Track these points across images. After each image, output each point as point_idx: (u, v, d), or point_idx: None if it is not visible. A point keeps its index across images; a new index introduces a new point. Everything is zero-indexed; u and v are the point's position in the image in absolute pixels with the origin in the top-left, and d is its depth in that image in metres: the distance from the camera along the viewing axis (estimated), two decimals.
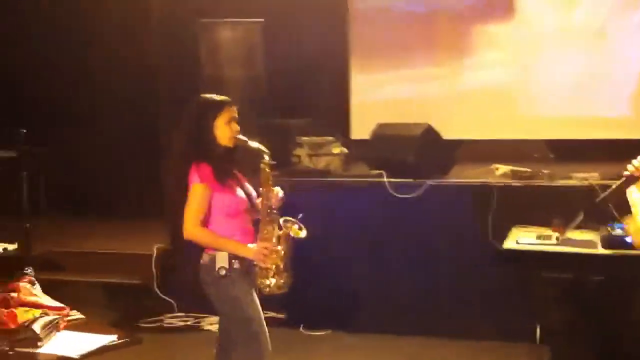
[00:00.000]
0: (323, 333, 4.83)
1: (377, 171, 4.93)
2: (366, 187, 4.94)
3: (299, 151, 5.25)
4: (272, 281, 3.11)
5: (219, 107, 3.13)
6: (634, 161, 2.40)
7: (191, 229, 3.06)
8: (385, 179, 4.82)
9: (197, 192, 3.05)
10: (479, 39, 6.10)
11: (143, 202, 6.31)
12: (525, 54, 6.03)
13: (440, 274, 4.70)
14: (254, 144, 3.15)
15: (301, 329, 4.86)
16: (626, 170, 2.49)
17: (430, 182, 4.71)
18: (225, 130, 3.10)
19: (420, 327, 4.63)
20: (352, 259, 4.89)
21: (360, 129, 5.98)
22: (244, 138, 3.15)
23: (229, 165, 3.15)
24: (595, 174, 4.63)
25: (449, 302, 4.69)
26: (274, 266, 3.10)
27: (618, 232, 4.04)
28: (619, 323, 4.23)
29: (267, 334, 3.14)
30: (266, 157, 3.14)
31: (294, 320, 4.85)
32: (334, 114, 6.37)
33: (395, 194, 4.74)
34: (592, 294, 4.22)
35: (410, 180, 4.76)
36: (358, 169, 5.38)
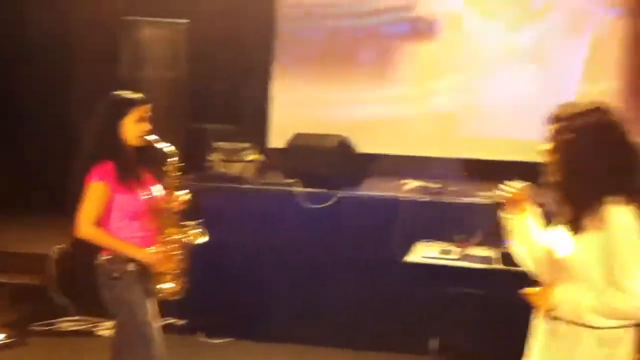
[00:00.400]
0: (225, 341, 4.77)
1: (290, 180, 4.95)
2: (278, 195, 4.94)
3: (213, 156, 5.19)
4: (168, 286, 3.07)
5: (128, 105, 3.08)
6: (504, 186, 2.45)
7: (84, 228, 2.99)
8: (297, 189, 4.84)
9: (94, 191, 2.99)
10: (401, 56, 6.23)
11: (54, 201, 6.11)
12: (438, 74, 6.17)
13: (346, 284, 4.73)
14: (164, 145, 3.10)
15: (202, 336, 4.79)
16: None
17: (340, 193, 4.76)
18: (134, 129, 3.06)
19: (324, 337, 4.65)
20: (258, 266, 4.87)
21: (280, 137, 5.99)
22: (155, 138, 3.11)
23: (134, 165, 3.09)
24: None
25: (354, 313, 4.72)
26: (170, 271, 3.06)
27: None
28: (515, 338, 4.37)
29: (161, 340, 3.09)
30: (173, 160, 3.11)
31: (195, 327, 4.78)
32: (255, 122, 6.35)
33: (306, 204, 4.77)
34: (490, 309, 4.36)
35: (322, 190, 4.79)
36: (273, 177, 5.38)
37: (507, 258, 4.14)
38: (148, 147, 3.12)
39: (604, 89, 5.77)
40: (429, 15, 6.11)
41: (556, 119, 2.27)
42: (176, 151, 3.12)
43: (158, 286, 3.06)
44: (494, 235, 4.47)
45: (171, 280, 3.07)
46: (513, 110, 5.92)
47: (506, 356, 4.23)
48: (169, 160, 3.10)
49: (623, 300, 2.12)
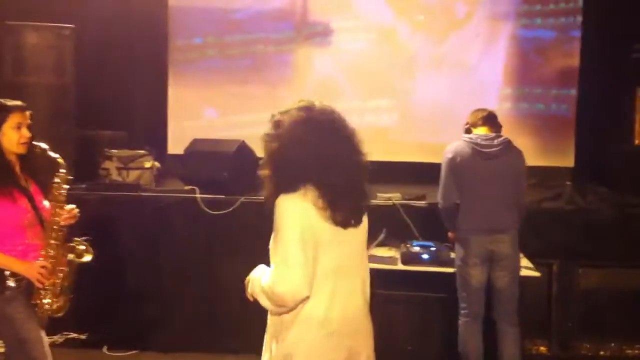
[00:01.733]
0: (128, 353, 4.62)
1: (190, 187, 4.85)
2: (178, 202, 4.83)
3: (107, 164, 5.02)
4: (49, 302, 2.95)
5: (4, 111, 2.93)
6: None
7: None
8: (197, 195, 4.75)
9: None
10: (302, 60, 6.27)
11: None
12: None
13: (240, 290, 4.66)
14: (52, 155, 2.98)
15: (104, 350, 4.63)
16: None
17: (242, 198, 4.70)
18: (12, 136, 2.92)
19: (228, 344, 4.59)
20: (159, 276, 4.75)
21: (178, 144, 5.86)
22: (43, 147, 2.98)
23: (14, 174, 2.95)
24: (398, 194, 4.87)
25: (258, 319, 4.65)
26: (53, 287, 2.94)
27: (416, 249, 4.29)
28: (419, 336, 4.49)
29: (48, 356, 2.96)
30: (61, 170, 2.99)
31: (96, 341, 4.62)
32: (151, 128, 6.21)
33: (207, 211, 4.69)
34: (393, 308, 4.44)
35: (223, 196, 4.73)
36: (172, 184, 5.26)
37: (406, 259, 4.25)
38: (32, 156, 2.99)
39: (525, 92, 6.06)
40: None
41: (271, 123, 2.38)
42: (64, 163, 3.00)
43: (40, 302, 2.93)
44: (396, 235, 4.61)
45: (54, 296, 2.96)
46: (432, 116, 6.11)
47: (413, 354, 4.36)
48: (57, 172, 2.98)
49: (267, 284, 2.29)
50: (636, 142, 5.89)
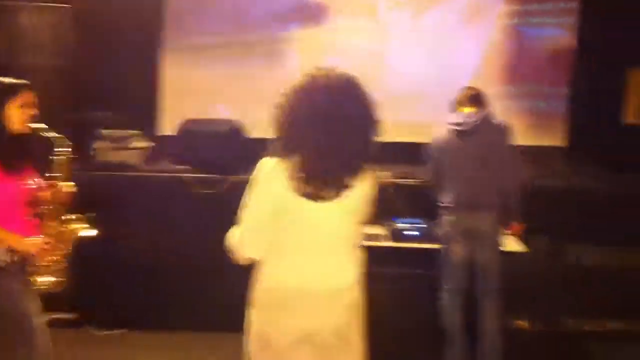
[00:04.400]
0: (117, 332, 4.66)
1: (181, 166, 4.88)
2: (169, 182, 4.86)
3: (99, 144, 5.03)
4: (48, 279, 2.98)
5: (11, 90, 2.96)
6: None
7: None
8: (188, 174, 4.78)
9: None
10: (292, 39, 6.26)
11: None
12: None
13: (240, 268, 4.70)
14: (52, 134, 3.01)
15: (94, 329, 4.67)
16: None
17: (232, 178, 4.73)
18: (18, 115, 2.94)
19: (220, 322, 4.60)
20: (150, 255, 4.78)
21: (171, 124, 5.88)
22: (42, 126, 3.00)
23: (18, 153, 2.98)
24: (387, 173, 4.90)
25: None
26: (51, 264, 2.97)
27: (405, 226, 4.33)
28: (406, 314, 4.53)
29: (45, 334, 3.00)
30: (63, 149, 3.01)
31: (86, 320, 4.66)
32: (143, 109, 6.19)
33: (199, 190, 4.72)
34: (380, 286, 4.47)
35: (213, 176, 4.75)
36: (164, 164, 5.28)
37: (396, 235, 4.29)
38: (33, 135, 3.01)
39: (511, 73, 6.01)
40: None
41: None
42: (66, 140, 3.03)
43: (38, 279, 2.96)
44: (382, 213, 4.64)
45: (52, 273, 2.98)
46: (411, 94, 6.05)
47: (398, 330, 4.40)
48: (58, 149, 3.01)
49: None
50: (628, 120, 5.90)
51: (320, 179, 2.25)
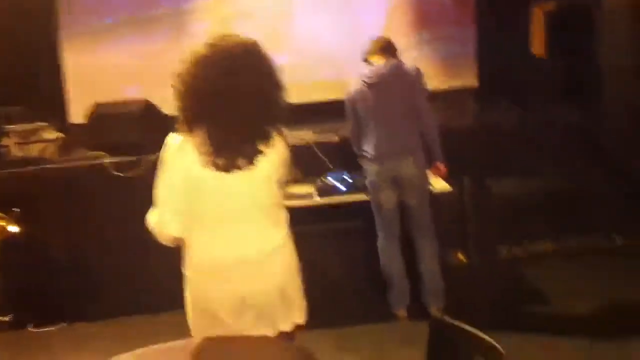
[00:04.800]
0: (56, 328, 4.54)
1: (97, 152, 4.73)
2: (86, 170, 4.72)
3: (5, 141, 4.80)
4: None
5: None
6: None
7: None
8: (105, 160, 4.65)
9: None
10: (197, 9, 6.11)
11: None
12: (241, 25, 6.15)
13: (166, 250, 4.64)
14: None
15: (30, 328, 4.52)
16: None
17: (152, 157, 4.62)
18: None
19: (157, 304, 4.54)
20: (79, 246, 4.66)
21: (80, 111, 5.67)
22: None
23: None
24: (310, 133, 4.91)
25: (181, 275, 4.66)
26: None
27: (331, 181, 4.35)
28: (345, 266, 4.59)
29: None
30: None
31: (22, 321, 4.51)
32: (49, 99, 5.96)
33: (117, 174, 4.60)
34: (315, 243, 4.50)
35: (131, 158, 4.64)
36: (79, 153, 5.11)
37: (323, 191, 4.30)
38: None
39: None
40: None
41: None
42: None
43: None
44: (310, 172, 4.65)
45: None
46: (320, 54, 6.02)
47: (340, 283, 4.46)
48: None
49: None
50: (535, 55, 6.06)
51: (229, 150, 2.23)
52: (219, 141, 2.21)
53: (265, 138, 2.28)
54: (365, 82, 4.03)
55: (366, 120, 4.07)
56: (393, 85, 4.00)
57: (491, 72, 5.95)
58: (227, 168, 2.24)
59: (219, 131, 2.21)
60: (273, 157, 2.32)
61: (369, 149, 4.06)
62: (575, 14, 5.72)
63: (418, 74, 4.07)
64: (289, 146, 2.41)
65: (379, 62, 4.08)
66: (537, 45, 6.08)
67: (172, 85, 2.26)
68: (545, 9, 6.07)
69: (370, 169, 4.08)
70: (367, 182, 4.14)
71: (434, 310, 4.08)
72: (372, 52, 4.13)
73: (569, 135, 5.03)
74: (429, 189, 4.14)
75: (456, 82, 6.05)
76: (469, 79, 6.07)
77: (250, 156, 2.26)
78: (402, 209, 4.11)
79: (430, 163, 4.12)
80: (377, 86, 4.00)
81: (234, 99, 2.20)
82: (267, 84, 2.26)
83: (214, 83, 2.19)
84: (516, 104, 5.40)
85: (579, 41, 5.46)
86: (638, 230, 4.93)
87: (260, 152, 2.27)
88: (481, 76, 6.06)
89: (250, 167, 2.26)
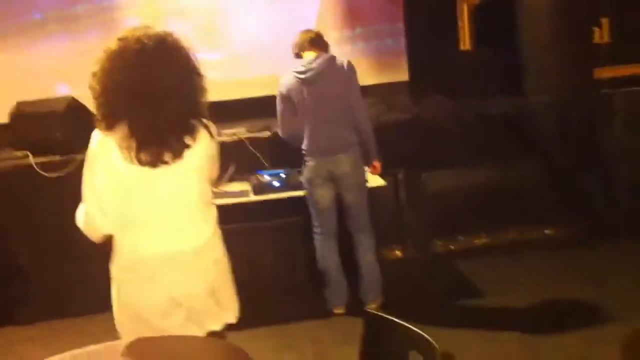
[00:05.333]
0: None
1: (21, 152, 4.56)
2: (12, 172, 4.54)
3: None
4: None
5: None
6: None
7: None
8: (31, 160, 4.48)
9: None
10: (125, 5, 5.97)
11: None
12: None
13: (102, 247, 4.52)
14: None
15: None
16: None
17: (80, 156, 4.47)
18: None
19: (91, 306, 4.42)
20: (12, 249, 4.54)
21: (2, 111, 5.46)
22: None
23: None
24: (243, 129, 4.85)
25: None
26: None
27: (266, 178, 4.31)
28: (281, 263, 4.57)
29: None
30: None
31: None
32: None
33: (45, 174, 4.44)
34: (252, 240, 4.48)
35: (58, 157, 4.49)
36: (3, 154, 4.90)
37: (258, 188, 4.26)
38: None
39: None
40: None
41: None
42: None
43: None
44: (246, 168, 4.60)
45: None
46: (253, 49, 5.95)
47: (275, 281, 4.43)
48: None
49: None
50: (461, 47, 6.18)
51: (154, 144, 2.18)
52: (141, 136, 2.15)
53: (191, 131, 2.23)
54: (298, 77, 3.99)
55: (302, 116, 4.02)
56: (327, 81, 3.95)
57: (421, 65, 6.03)
58: (152, 163, 2.18)
59: (140, 126, 2.15)
60: (200, 150, 2.25)
61: (304, 145, 4.03)
62: (499, 7, 5.85)
63: (351, 68, 4.03)
64: (217, 141, 2.36)
65: (310, 55, 4.04)
66: (464, 38, 6.21)
67: (88, 86, 2.20)
68: (470, 2, 6.20)
69: (307, 165, 4.05)
70: (302, 178, 4.11)
71: (372, 305, 4.07)
72: (303, 46, 4.08)
73: (499, 128, 5.13)
74: (366, 185, 4.13)
75: (389, 78, 6.11)
76: (400, 74, 6.13)
77: (177, 150, 2.20)
78: (339, 205, 4.09)
79: (365, 159, 4.11)
80: (311, 81, 3.96)
81: (150, 93, 2.15)
82: (184, 76, 2.21)
83: (127, 78, 2.14)
84: (447, 97, 5.48)
85: (504, 34, 5.57)
86: (567, 222, 5.06)
87: (187, 145, 2.22)
88: (411, 70, 6.13)
89: (177, 160, 2.21)
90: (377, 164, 4.15)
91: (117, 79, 2.15)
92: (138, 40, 2.17)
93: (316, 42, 4.08)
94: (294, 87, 4.00)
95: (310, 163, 4.03)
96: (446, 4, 6.13)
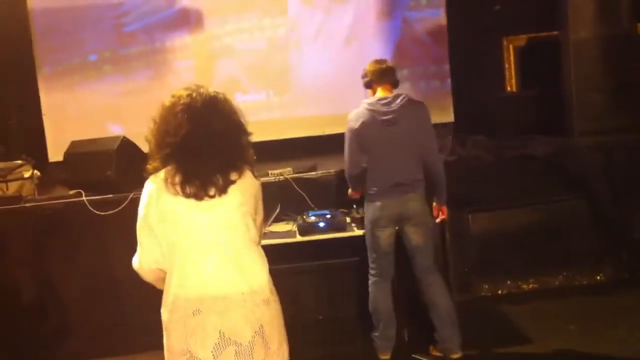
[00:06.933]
0: None
1: (75, 191, 4.70)
2: (65, 209, 4.68)
3: None
4: None
5: None
6: None
7: None
8: (84, 198, 4.61)
9: None
10: (172, 48, 6.16)
11: None
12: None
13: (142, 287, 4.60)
14: None
15: None
16: None
17: (132, 195, 4.59)
18: None
19: (143, 342, 4.44)
20: (58, 285, 4.63)
21: (58, 150, 5.64)
22: None
23: None
24: (289, 169, 4.90)
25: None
26: None
27: (312, 219, 4.33)
28: (327, 304, 4.57)
29: None
30: None
31: None
32: (28, 138, 5.96)
33: (96, 212, 4.56)
34: (298, 280, 4.50)
35: (110, 195, 4.61)
36: (57, 191, 5.06)
37: (303, 229, 4.28)
38: None
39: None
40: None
41: None
42: None
43: None
44: (292, 209, 4.65)
45: None
46: (327, 88, 6.07)
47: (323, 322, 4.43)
48: None
49: None
50: (508, 89, 6.18)
51: (200, 178, 2.31)
52: (189, 171, 2.31)
53: (236, 168, 2.37)
54: (377, 115, 3.85)
55: (373, 155, 3.88)
56: (407, 122, 3.84)
57: (467, 107, 6.04)
58: (197, 195, 2.30)
59: (189, 163, 2.31)
60: (243, 187, 2.38)
61: (373, 183, 3.91)
62: (544, 47, 5.85)
63: (426, 110, 3.94)
64: (260, 183, 2.48)
65: (385, 92, 3.93)
66: (509, 80, 6.22)
67: (145, 138, 2.39)
68: (515, 44, 6.22)
69: (372, 205, 3.92)
70: (366, 217, 3.99)
71: (457, 355, 3.90)
72: (375, 78, 3.95)
73: (543, 168, 5.08)
74: (432, 225, 4.02)
75: (434, 118, 6.11)
76: (445, 115, 6.15)
77: (221, 184, 2.33)
78: (404, 247, 3.96)
79: (437, 202, 4.01)
80: (392, 122, 3.83)
81: (204, 140, 2.33)
82: (229, 125, 2.38)
83: (177, 129, 2.32)
84: (491, 138, 5.47)
85: (548, 74, 5.55)
86: (617, 266, 4.96)
87: (232, 181, 2.35)
88: (457, 111, 6.15)
89: (222, 195, 2.33)
90: (444, 209, 4.03)
91: (167, 131, 2.33)
92: (188, 96, 2.37)
93: (387, 74, 3.95)
94: (370, 124, 3.85)
95: (377, 203, 3.89)
96: (492, 46, 6.16)
